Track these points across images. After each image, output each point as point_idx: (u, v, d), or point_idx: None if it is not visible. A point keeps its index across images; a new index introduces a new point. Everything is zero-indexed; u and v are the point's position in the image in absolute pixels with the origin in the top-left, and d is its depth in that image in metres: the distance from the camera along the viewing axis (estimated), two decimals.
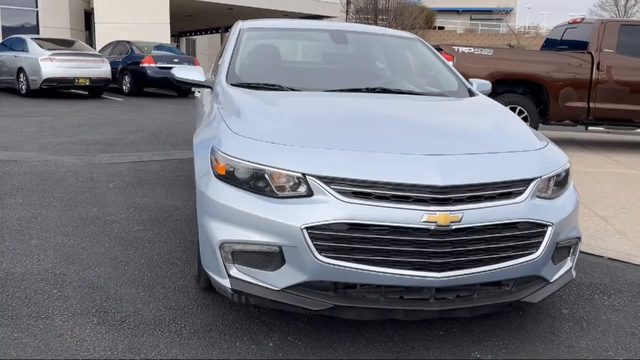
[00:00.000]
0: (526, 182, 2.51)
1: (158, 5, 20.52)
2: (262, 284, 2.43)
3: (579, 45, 8.82)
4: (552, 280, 2.64)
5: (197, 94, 4.47)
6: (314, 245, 2.30)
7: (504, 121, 3.09)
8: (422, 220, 2.29)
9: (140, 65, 15.42)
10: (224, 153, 2.56)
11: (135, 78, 15.71)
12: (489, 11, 49.81)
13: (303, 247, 2.31)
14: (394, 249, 2.31)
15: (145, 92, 16.91)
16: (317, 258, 2.30)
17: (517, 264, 2.45)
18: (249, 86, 3.41)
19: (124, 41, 16.82)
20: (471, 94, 3.75)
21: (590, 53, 8.45)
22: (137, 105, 13.56)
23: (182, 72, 3.68)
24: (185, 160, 6.68)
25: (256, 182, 2.45)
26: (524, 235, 2.46)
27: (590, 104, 8.45)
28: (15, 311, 2.73)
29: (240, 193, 2.47)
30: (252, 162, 2.45)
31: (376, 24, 28.22)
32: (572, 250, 2.78)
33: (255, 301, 2.50)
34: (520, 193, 2.48)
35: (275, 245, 2.37)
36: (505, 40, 31.18)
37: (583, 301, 3.11)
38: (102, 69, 14.43)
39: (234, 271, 2.48)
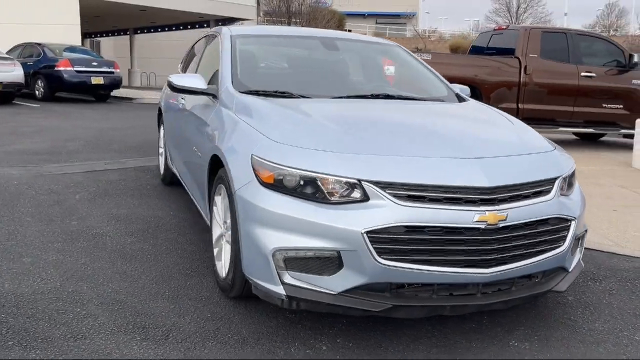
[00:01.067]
0: (552, 181, 2.73)
1: (67, 6, 19.47)
2: (318, 289, 2.47)
3: (506, 51, 9.44)
4: (570, 270, 2.88)
5: (181, 101, 4.37)
6: (374, 248, 2.38)
7: (517, 125, 3.30)
8: (473, 220, 2.43)
9: (56, 69, 14.63)
10: (269, 161, 2.57)
11: (50, 82, 14.87)
12: (394, 15, 51.64)
13: (363, 250, 2.38)
14: (447, 249, 2.43)
15: (59, 97, 16.03)
16: (377, 261, 2.38)
17: (548, 257, 2.66)
18: (257, 93, 3.40)
19: (34, 43, 15.85)
20: (460, 98, 3.96)
21: (518, 58, 9.08)
22: (57, 111, 12.86)
23: (181, 79, 3.61)
24: (141, 168, 6.48)
25: (306, 189, 2.49)
26: (554, 229, 2.67)
27: (519, 105, 9.08)
28: (46, 334, 2.58)
29: (292, 200, 2.49)
30: (304, 170, 2.49)
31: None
32: (580, 242, 3.04)
33: (308, 306, 2.53)
34: (548, 191, 2.69)
35: (333, 250, 2.42)
36: (413, 43, 32.34)
37: (581, 288, 3.39)
38: (15, 73, 13.58)
39: (288, 278, 2.50)
